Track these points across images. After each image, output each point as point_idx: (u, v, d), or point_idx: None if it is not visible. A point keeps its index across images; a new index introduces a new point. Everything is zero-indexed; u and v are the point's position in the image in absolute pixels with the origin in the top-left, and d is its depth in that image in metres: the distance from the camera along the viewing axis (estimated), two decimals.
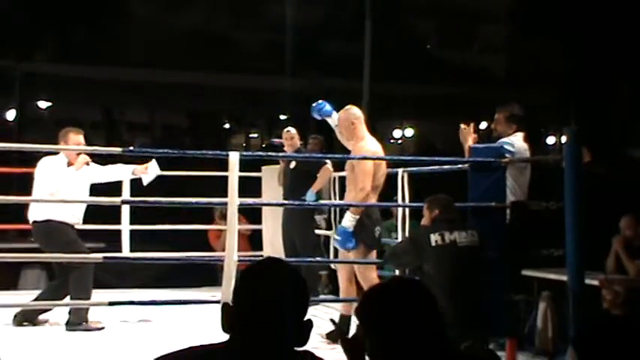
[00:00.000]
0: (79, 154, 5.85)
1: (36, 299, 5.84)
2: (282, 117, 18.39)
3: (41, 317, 5.88)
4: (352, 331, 5.09)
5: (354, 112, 5.47)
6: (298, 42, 18.13)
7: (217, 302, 4.17)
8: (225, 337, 1.91)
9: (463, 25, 21.70)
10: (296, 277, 1.97)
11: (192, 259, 6.51)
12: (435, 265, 4.48)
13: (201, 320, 5.38)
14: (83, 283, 5.66)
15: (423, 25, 21.67)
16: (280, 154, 7.02)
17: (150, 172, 6.04)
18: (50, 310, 5.93)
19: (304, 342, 1.93)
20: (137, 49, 18.54)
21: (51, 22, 18.13)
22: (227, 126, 22.26)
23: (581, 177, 4.52)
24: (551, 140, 20.75)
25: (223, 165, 4.91)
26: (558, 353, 4.90)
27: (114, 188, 6.44)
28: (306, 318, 1.94)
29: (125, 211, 6.79)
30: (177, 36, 18.33)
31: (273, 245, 7.27)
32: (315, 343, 4.58)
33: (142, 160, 6.23)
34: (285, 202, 6.93)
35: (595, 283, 5.07)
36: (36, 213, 5.80)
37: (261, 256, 6.88)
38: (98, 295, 5.84)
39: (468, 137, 5.40)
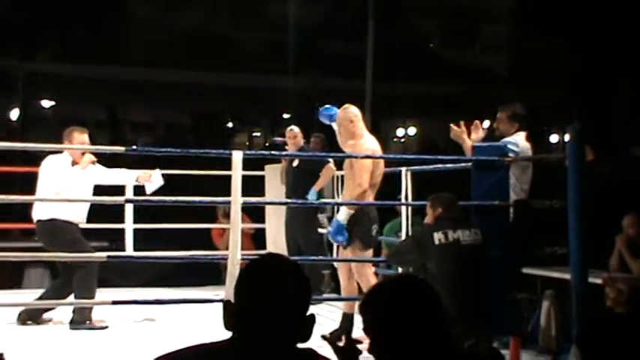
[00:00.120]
0: (83, 153, 5.86)
1: (40, 298, 5.84)
2: (286, 116, 18.41)
3: (45, 316, 5.89)
4: (352, 330, 5.10)
5: (353, 110, 5.51)
6: (300, 41, 18.14)
7: (221, 301, 4.17)
8: (228, 335, 1.90)
9: (465, 24, 21.70)
10: (297, 272, 1.94)
11: (196, 257, 6.51)
12: (439, 263, 4.49)
13: (205, 319, 5.39)
14: (88, 282, 5.66)
15: (426, 24, 21.68)
16: (283, 152, 7.03)
17: (154, 180, 6.06)
18: (54, 308, 5.94)
19: (307, 337, 1.90)
20: (139, 48, 18.56)
21: (53, 21, 18.15)
22: (230, 125, 22.28)
23: (584, 175, 4.52)
24: (554, 139, 20.75)
25: (226, 164, 4.92)
26: (562, 352, 4.89)
27: (117, 187, 6.45)
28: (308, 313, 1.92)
29: (129, 209, 6.81)
30: (179, 36, 18.36)
31: (276, 244, 7.27)
32: (318, 342, 4.60)
33: (145, 159, 6.25)
34: (289, 200, 6.94)
35: (598, 281, 5.07)
36: (40, 212, 5.80)
37: None
38: (102, 293, 5.85)
39: (464, 136, 5.41)
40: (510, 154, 5.31)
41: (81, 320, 5.72)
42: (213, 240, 8.55)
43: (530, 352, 4.99)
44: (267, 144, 19.71)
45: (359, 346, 2.25)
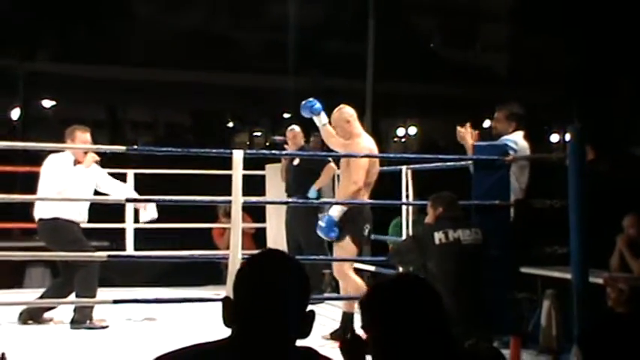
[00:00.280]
0: (86, 152, 5.86)
1: (40, 297, 5.84)
2: (286, 116, 18.41)
3: (46, 315, 5.89)
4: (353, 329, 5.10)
5: (348, 110, 5.54)
6: (300, 41, 18.15)
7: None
8: (228, 333, 1.89)
9: (466, 23, 21.70)
10: (297, 268, 1.91)
11: (197, 257, 6.51)
12: (439, 263, 4.49)
13: (206, 318, 5.39)
14: (89, 281, 5.66)
15: (426, 24, 21.68)
16: (284, 152, 7.03)
17: (148, 210, 6.05)
18: (55, 308, 5.94)
19: (307, 334, 1.88)
20: (139, 48, 18.57)
21: (53, 21, 18.15)
22: (230, 125, 22.28)
23: (584, 175, 4.52)
24: (554, 138, 20.75)
25: (227, 163, 4.92)
26: (562, 351, 4.89)
27: None
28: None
29: (129, 209, 6.81)
30: (180, 35, 18.36)
31: (276, 243, 7.27)
32: (320, 341, 4.60)
33: (146, 158, 6.24)
34: (289, 200, 6.94)
35: (599, 281, 5.06)
36: (43, 211, 5.80)
37: None
38: (103, 293, 5.85)
39: (467, 137, 5.43)
40: (510, 153, 5.31)
41: (82, 319, 5.73)
42: (213, 239, 8.55)
43: (530, 352, 4.99)
44: (267, 143, 19.71)
45: None
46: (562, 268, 4.96)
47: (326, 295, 7.04)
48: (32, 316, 5.83)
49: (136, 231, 6.85)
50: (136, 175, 7.07)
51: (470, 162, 5.53)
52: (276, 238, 7.33)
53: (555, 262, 5.28)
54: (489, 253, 4.65)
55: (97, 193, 6.04)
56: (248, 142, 21.67)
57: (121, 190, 6.09)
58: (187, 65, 18.33)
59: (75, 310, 5.78)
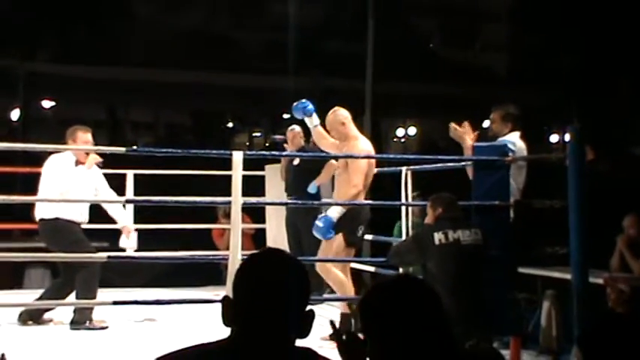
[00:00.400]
0: (88, 153, 5.86)
1: (40, 298, 5.84)
2: (286, 116, 18.40)
3: (46, 316, 5.89)
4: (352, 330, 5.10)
5: (342, 112, 5.55)
6: (300, 41, 18.14)
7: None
8: (228, 333, 1.88)
9: (465, 23, 21.70)
10: (297, 266, 1.90)
11: (196, 258, 6.51)
12: (439, 263, 4.49)
13: (206, 319, 5.38)
14: (90, 282, 5.67)
15: (426, 24, 21.69)
16: (284, 152, 7.03)
17: (131, 239, 6.16)
18: (54, 308, 5.94)
19: (306, 333, 1.87)
20: (139, 48, 18.57)
21: (53, 21, 18.16)
22: (230, 125, 22.28)
23: (584, 175, 4.52)
24: (554, 138, 20.75)
25: (227, 164, 4.92)
26: (562, 352, 4.90)
27: (118, 188, 6.45)
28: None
29: (129, 209, 6.80)
30: (180, 36, 18.36)
31: (276, 244, 7.26)
32: (319, 342, 4.59)
33: (146, 159, 6.24)
34: (289, 201, 6.94)
35: (599, 281, 5.07)
36: (44, 211, 5.80)
37: None
38: (102, 294, 5.85)
39: (465, 136, 5.41)
40: (509, 153, 5.31)
41: (81, 320, 5.73)
42: (213, 240, 8.55)
43: (530, 353, 4.99)
44: (267, 144, 19.72)
45: None
46: (562, 269, 4.96)
47: (326, 295, 7.04)
48: (32, 316, 5.83)
49: (136, 231, 6.84)
50: (135, 175, 7.07)
51: (469, 163, 5.52)
52: (276, 238, 7.33)
53: (555, 263, 5.28)
54: (489, 254, 4.65)
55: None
56: (248, 143, 21.68)
57: (115, 213, 6.14)
58: (187, 65, 18.33)
59: (75, 311, 5.77)
